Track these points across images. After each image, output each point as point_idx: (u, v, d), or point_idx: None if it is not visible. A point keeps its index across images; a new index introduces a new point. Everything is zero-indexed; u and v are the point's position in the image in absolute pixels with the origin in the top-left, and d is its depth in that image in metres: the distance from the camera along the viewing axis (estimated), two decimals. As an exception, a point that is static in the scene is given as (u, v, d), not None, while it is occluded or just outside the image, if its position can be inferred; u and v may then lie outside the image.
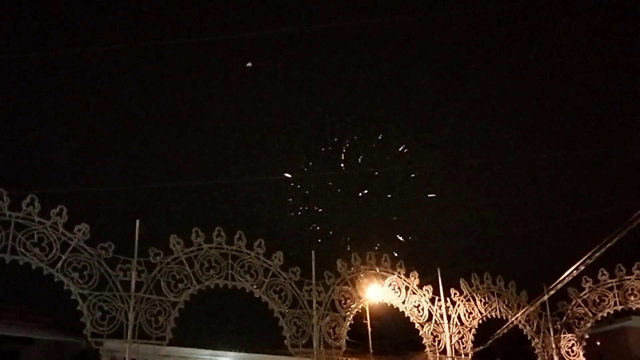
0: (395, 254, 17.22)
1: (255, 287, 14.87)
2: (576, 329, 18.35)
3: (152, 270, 14.02)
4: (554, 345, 18.22)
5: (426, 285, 17.14)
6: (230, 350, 18.47)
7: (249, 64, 33.31)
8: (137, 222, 14.20)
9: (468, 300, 17.55)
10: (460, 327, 17.12)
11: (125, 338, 13.34)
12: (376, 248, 17.34)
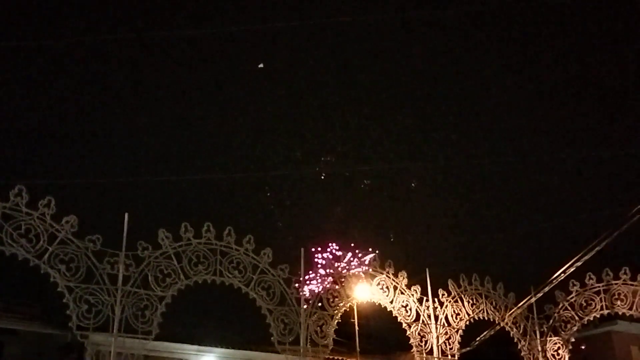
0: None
1: (243, 283, 14.84)
2: (562, 332, 18.43)
3: (140, 264, 13.96)
4: (539, 348, 18.30)
5: (414, 285, 17.17)
6: (217, 347, 18.39)
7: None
8: (126, 215, 14.13)
9: (456, 301, 17.59)
10: (447, 328, 17.15)
11: (111, 332, 13.27)
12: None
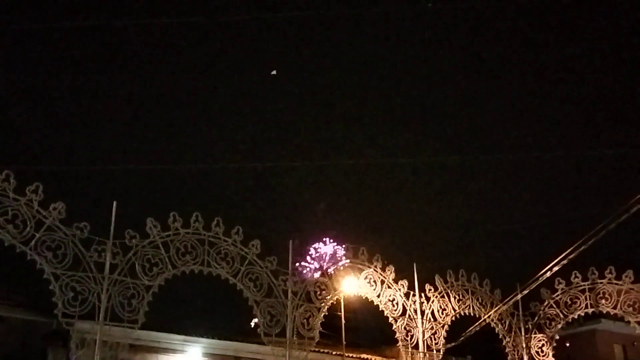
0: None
1: (230, 274, 14.81)
2: (547, 330, 18.56)
3: (127, 252, 13.88)
4: (524, 345, 18.42)
5: (402, 279, 17.22)
6: (203, 337, 18.37)
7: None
8: (114, 203, 14.05)
9: (442, 296, 17.66)
10: (433, 323, 17.23)
11: (97, 320, 13.21)
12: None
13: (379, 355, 20.39)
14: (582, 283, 18.31)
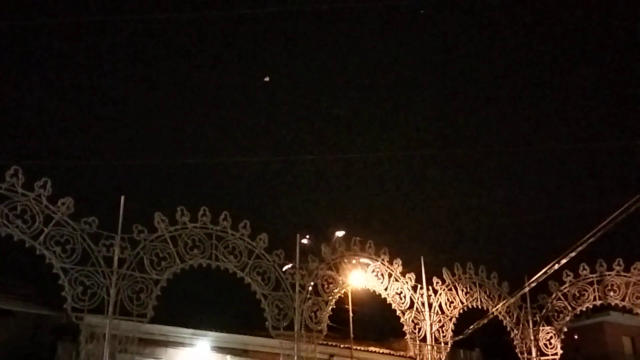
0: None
1: (238, 268, 14.85)
2: (555, 322, 18.54)
3: (136, 247, 13.95)
4: (532, 337, 18.41)
5: (409, 272, 17.22)
6: (211, 330, 18.47)
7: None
8: (122, 198, 14.11)
9: (450, 289, 17.65)
10: (441, 316, 17.23)
11: (106, 314, 13.30)
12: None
13: (386, 348, 20.45)
14: (590, 275, 18.26)
